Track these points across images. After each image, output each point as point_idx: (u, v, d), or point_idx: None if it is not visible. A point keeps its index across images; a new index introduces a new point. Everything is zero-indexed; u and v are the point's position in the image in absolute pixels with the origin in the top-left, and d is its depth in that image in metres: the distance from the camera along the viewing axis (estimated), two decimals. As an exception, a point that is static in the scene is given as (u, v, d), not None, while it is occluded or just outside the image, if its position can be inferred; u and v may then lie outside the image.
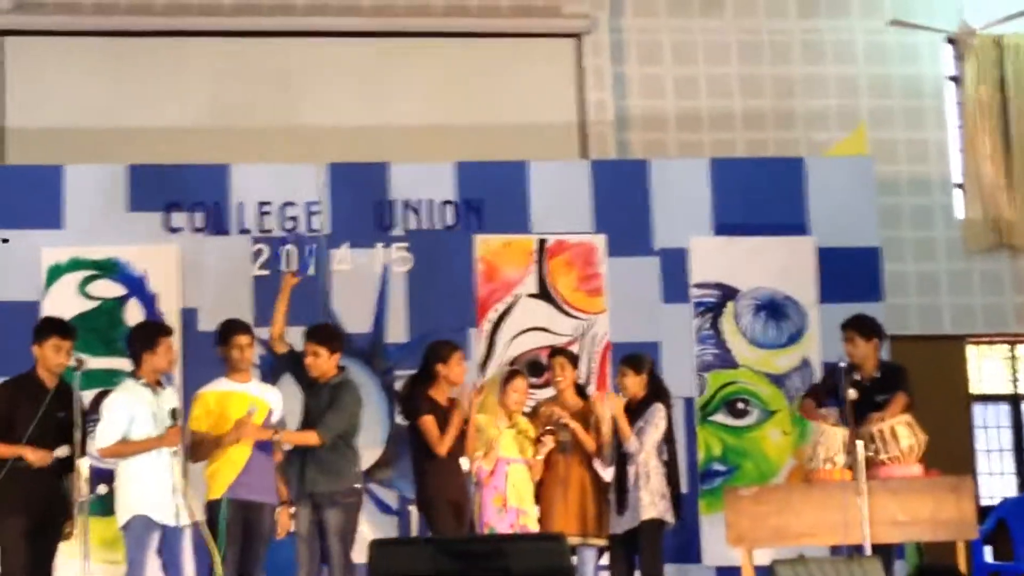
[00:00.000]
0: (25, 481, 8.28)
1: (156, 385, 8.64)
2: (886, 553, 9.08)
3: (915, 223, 13.07)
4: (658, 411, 9.39)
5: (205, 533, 8.52)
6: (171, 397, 8.75)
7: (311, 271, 10.80)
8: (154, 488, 8.44)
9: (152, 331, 8.85)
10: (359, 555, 8.59)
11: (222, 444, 8.63)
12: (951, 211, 13.32)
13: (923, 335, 12.75)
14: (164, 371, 8.76)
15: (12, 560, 8.37)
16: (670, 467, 9.42)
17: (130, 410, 8.51)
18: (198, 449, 8.65)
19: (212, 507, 8.65)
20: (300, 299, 10.47)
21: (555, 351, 9.87)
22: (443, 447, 9.05)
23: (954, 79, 13.63)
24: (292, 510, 9.02)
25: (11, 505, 8.34)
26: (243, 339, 8.86)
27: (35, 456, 8.30)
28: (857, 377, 9.54)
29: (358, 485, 9.02)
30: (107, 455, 8.59)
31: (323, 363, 9.01)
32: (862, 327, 9.71)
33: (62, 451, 8.29)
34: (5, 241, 10.50)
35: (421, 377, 9.33)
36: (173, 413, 8.53)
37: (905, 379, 9.62)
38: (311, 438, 8.85)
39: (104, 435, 8.47)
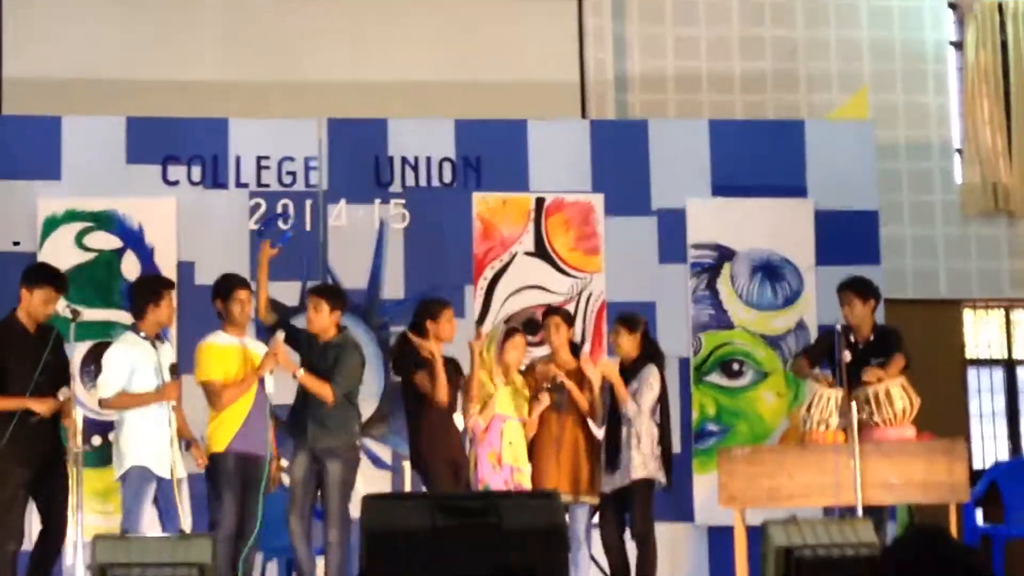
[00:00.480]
0: (25, 432, 8.28)
1: (155, 339, 8.68)
2: (878, 515, 9.12)
3: (914, 187, 13.05)
4: (652, 372, 9.40)
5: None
6: (169, 351, 8.80)
7: (308, 226, 10.79)
8: (152, 440, 8.48)
9: (156, 284, 8.90)
10: (352, 509, 8.63)
11: (258, 372, 8.69)
12: (950, 176, 13.29)
13: (919, 299, 12.74)
14: (165, 324, 8.81)
15: (9, 514, 8.37)
16: (662, 428, 9.43)
17: (131, 362, 8.55)
18: (220, 395, 8.69)
19: (216, 460, 8.69)
20: (297, 255, 10.51)
21: (549, 310, 9.88)
22: (442, 393, 9.06)
23: (956, 44, 13.59)
24: (285, 463, 9.05)
25: (12, 455, 8.34)
26: (243, 293, 8.89)
27: (42, 406, 8.27)
28: (852, 339, 9.57)
29: (357, 442, 9.05)
30: (107, 406, 8.64)
31: (323, 319, 9.00)
32: (860, 289, 9.71)
33: (63, 393, 8.30)
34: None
35: (412, 333, 9.34)
36: (173, 368, 8.58)
37: (900, 341, 9.63)
38: (326, 391, 8.85)
39: (105, 386, 8.53)
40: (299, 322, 9.44)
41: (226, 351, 8.79)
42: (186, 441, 8.72)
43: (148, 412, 8.52)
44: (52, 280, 8.64)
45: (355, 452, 9.02)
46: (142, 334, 8.65)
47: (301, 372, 8.83)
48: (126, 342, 8.68)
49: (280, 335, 8.82)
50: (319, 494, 8.90)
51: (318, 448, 8.85)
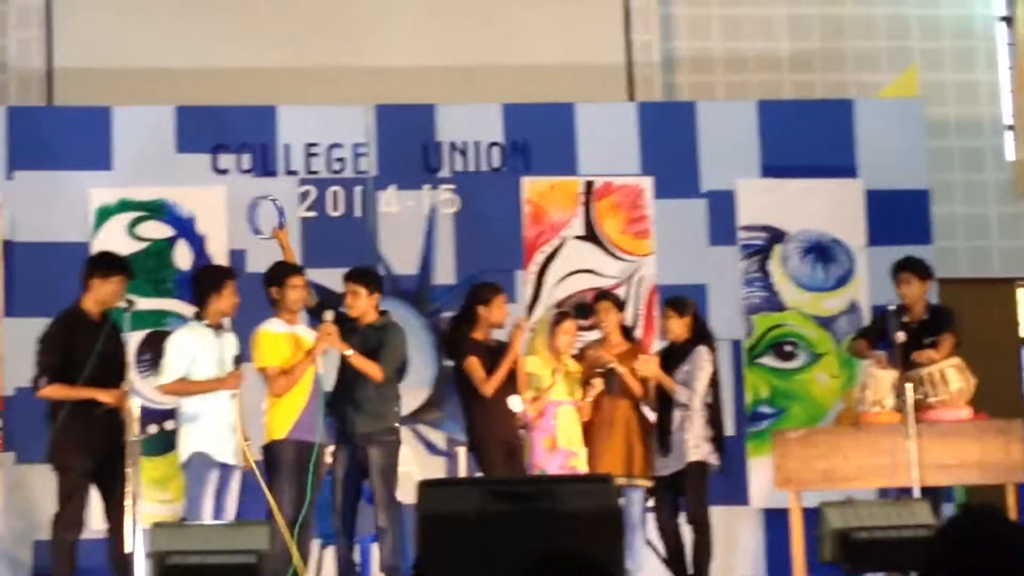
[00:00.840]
0: (86, 422, 8.32)
1: (218, 328, 8.74)
2: (934, 496, 9.07)
3: (965, 165, 12.95)
4: (703, 354, 9.38)
5: (258, 477, 8.61)
6: (232, 341, 8.83)
7: (358, 213, 10.82)
8: (214, 427, 8.54)
9: (217, 274, 8.96)
10: (407, 496, 8.65)
11: (313, 353, 8.69)
12: (1001, 153, 13.19)
13: (972, 278, 12.65)
14: (227, 314, 8.84)
15: (72, 502, 8.44)
16: (714, 410, 9.41)
17: (192, 349, 8.61)
18: (279, 380, 8.71)
19: (271, 449, 8.71)
20: (347, 242, 10.54)
21: (600, 295, 9.87)
22: (490, 388, 9.08)
23: (1006, 19, 13.48)
24: (331, 449, 9.08)
25: (77, 444, 8.39)
26: (297, 279, 8.91)
27: (109, 397, 8.30)
28: (906, 319, 9.52)
29: (397, 424, 9.06)
30: (167, 392, 8.71)
31: (362, 303, 9.01)
32: (918, 268, 9.67)
33: (128, 384, 8.35)
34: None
35: (463, 318, 9.36)
36: (236, 359, 8.62)
37: (953, 320, 9.59)
38: (375, 370, 8.86)
39: (166, 372, 8.59)
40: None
41: (281, 338, 8.83)
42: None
43: (210, 399, 8.58)
44: (123, 268, 8.71)
45: (395, 435, 9.01)
46: (205, 323, 8.71)
47: (350, 352, 8.84)
48: (189, 329, 8.78)
49: (329, 314, 8.83)
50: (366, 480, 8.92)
51: (358, 434, 8.86)
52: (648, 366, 9.37)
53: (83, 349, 8.33)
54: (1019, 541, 3.16)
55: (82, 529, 8.46)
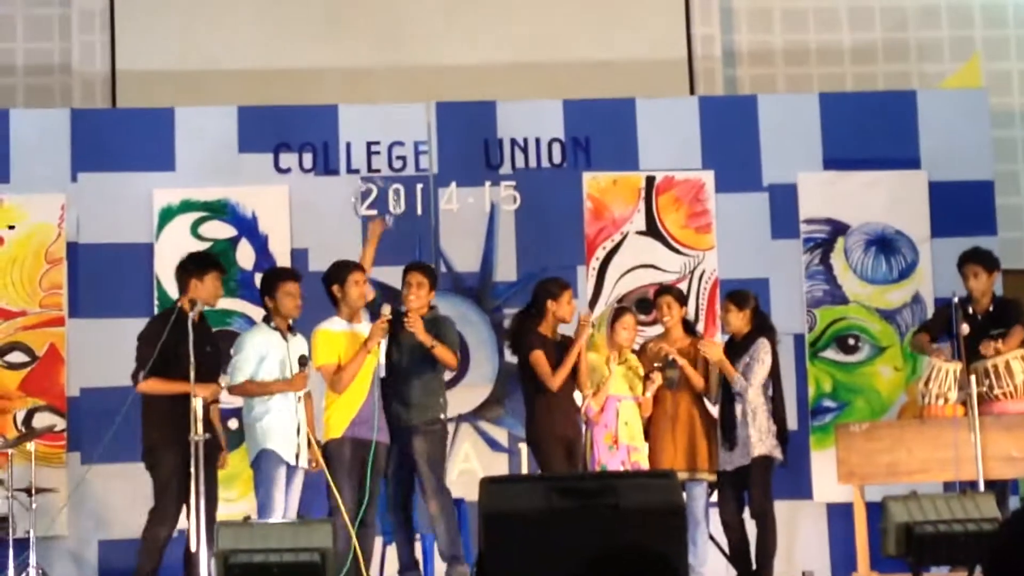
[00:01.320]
0: (179, 418, 8.40)
1: (287, 330, 8.80)
2: (1000, 489, 9.02)
3: (1030, 155, 12.86)
4: (763, 346, 9.34)
5: (326, 473, 8.66)
6: (301, 343, 8.89)
7: (419, 210, 10.85)
8: (281, 426, 8.60)
9: (273, 276, 9.03)
10: (471, 493, 8.67)
11: (368, 345, 8.72)
12: (1066, 143, 13.08)
13: (1037, 269, 12.56)
14: (291, 315, 8.86)
15: (165, 496, 8.53)
16: (776, 403, 9.38)
17: (260, 351, 8.69)
18: (340, 377, 8.77)
19: (328, 447, 8.76)
20: (408, 239, 10.59)
21: (661, 290, 9.84)
22: (556, 382, 9.09)
23: (1070, 7, 13.36)
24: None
25: (166, 440, 8.49)
26: (358, 276, 8.95)
27: (206, 391, 8.39)
28: (971, 311, 9.46)
29: (443, 416, 9.08)
30: (235, 393, 8.80)
31: (424, 295, 9.05)
32: (987, 259, 9.61)
33: (224, 379, 8.51)
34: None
35: (530, 313, 9.37)
36: (301, 360, 8.67)
37: (1021, 312, 9.51)
38: (451, 358, 8.95)
39: (234, 373, 8.65)
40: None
41: (339, 336, 8.86)
42: (308, 438, 8.79)
43: (278, 399, 8.65)
44: (217, 264, 8.84)
45: (440, 425, 9.06)
46: (272, 324, 8.78)
47: (436, 344, 8.87)
48: (258, 331, 8.89)
49: (387, 308, 8.86)
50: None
51: (403, 428, 8.90)
52: (712, 349, 9.35)
53: (180, 347, 8.40)
54: None
55: (175, 526, 8.52)
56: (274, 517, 8.43)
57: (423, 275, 9.14)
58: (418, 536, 9.17)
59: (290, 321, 8.90)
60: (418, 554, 9.14)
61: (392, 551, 9.27)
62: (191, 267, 8.81)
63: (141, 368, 8.59)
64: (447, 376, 9.30)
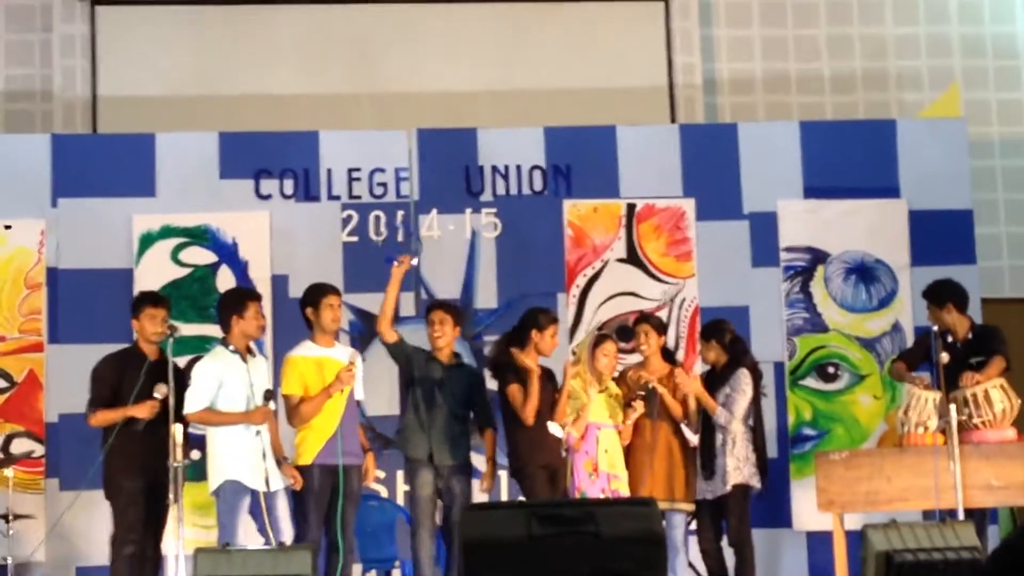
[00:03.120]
0: (136, 444, 8.40)
1: (246, 352, 8.71)
2: (979, 518, 9.02)
3: (1008, 185, 12.89)
4: (743, 376, 9.34)
5: None
6: (261, 366, 8.82)
7: (400, 237, 10.84)
8: (244, 454, 8.52)
9: (241, 296, 8.91)
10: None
11: (329, 391, 8.65)
12: (1046, 172, 13.14)
13: (1016, 298, 12.58)
14: (253, 337, 8.81)
15: (125, 520, 8.52)
16: (756, 432, 9.38)
17: (219, 376, 8.58)
18: (298, 412, 8.70)
19: (301, 473, 8.70)
20: (389, 266, 10.55)
21: (640, 318, 9.84)
22: (528, 416, 9.07)
23: (1048, 38, 13.43)
24: (381, 474, 9.10)
25: (125, 466, 8.48)
26: (333, 299, 8.89)
27: (141, 411, 8.42)
28: (950, 340, 9.47)
29: (470, 455, 9.18)
30: (193, 421, 8.68)
31: (449, 332, 9.06)
32: (934, 297, 9.64)
33: (160, 391, 8.35)
34: (8, 227, 10.58)
35: (512, 340, 9.35)
36: (267, 394, 8.58)
37: (1001, 341, 9.53)
38: (491, 437, 9.15)
39: (191, 401, 8.54)
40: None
41: (308, 363, 8.79)
42: (277, 459, 8.72)
43: (240, 428, 8.58)
44: (148, 299, 8.88)
45: (470, 466, 9.12)
46: (231, 348, 8.68)
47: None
48: (215, 356, 8.72)
49: (356, 356, 8.83)
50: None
51: (443, 466, 8.89)
52: (690, 383, 9.35)
53: (131, 383, 8.44)
54: None
55: (138, 542, 8.49)
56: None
57: (445, 312, 9.14)
58: (396, 563, 9.15)
59: (250, 343, 8.84)
60: None
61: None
62: (231, 304, 8.76)
63: (90, 405, 8.66)
64: None
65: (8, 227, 10.53)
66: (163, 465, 8.34)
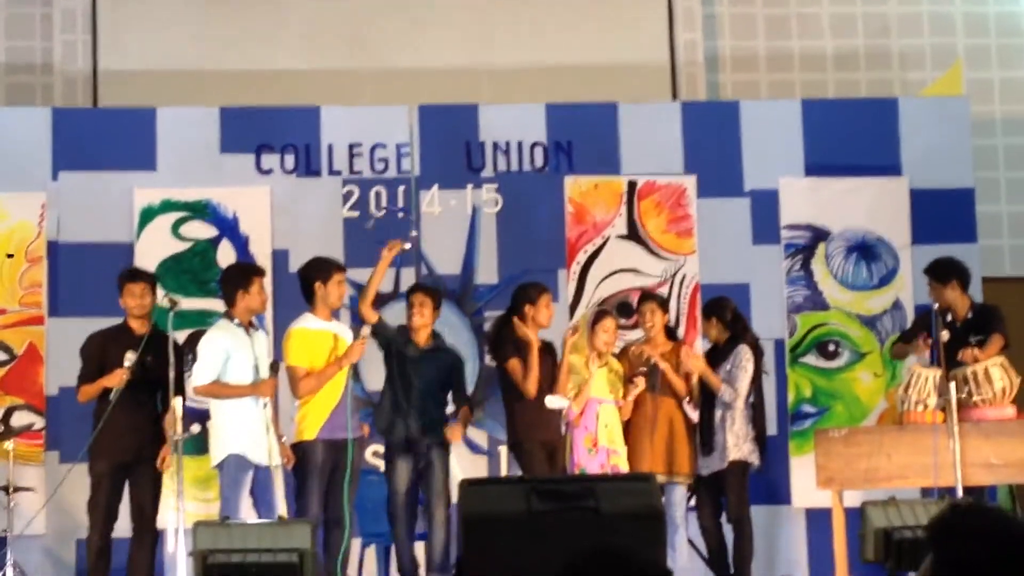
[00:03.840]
0: (117, 423, 8.42)
1: (249, 326, 8.72)
2: (978, 496, 9.03)
3: (1010, 163, 12.87)
4: (744, 353, 9.35)
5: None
6: (263, 340, 8.84)
7: (400, 213, 10.83)
8: (248, 428, 8.52)
9: (246, 271, 8.92)
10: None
11: (341, 363, 8.67)
12: (1047, 151, 13.12)
13: (1017, 277, 12.58)
14: (257, 312, 8.83)
15: (96, 497, 8.56)
16: (756, 409, 9.39)
17: (225, 349, 8.60)
18: (304, 384, 8.70)
19: (301, 449, 8.71)
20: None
21: (644, 296, 9.84)
22: (530, 389, 9.07)
23: (1052, 16, 13.40)
24: (380, 449, 9.12)
25: (100, 446, 8.51)
26: (342, 277, 8.90)
27: (110, 380, 8.50)
28: (950, 318, 9.47)
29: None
30: (201, 394, 8.70)
31: (428, 314, 9.04)
32: (937, 273, 9.63)
33: (128, 359, 8.43)
34: (10, 256, 10.57)
35: (509, 318, 9.36)
36: (273, 365, 8.60)
37: (1000, 320, 9.53)
38: (465, 411, 9.16)
39: (200, 374, 8.58)
40: (391, 311, 9.53)
41: (318, 336, 8.79)
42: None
43: (243, 400, 8.58)
44: (127, 276, 8.90)
45: (447, 444, 9.11)
46: (235, 321, 8.69)
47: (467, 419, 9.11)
48: (219, 329, 8.72)
49: (366, 329, 8.84)
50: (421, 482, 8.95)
51: (423, 441, 8.89)
52: (694, 361, 9.36)
53: (116, 360, 8.49)
54: (1007, 527, 3.11)
55: (107, 531, 8.54)
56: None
57: (425, 295, 9.12)
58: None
59: (252, 318, 8.84)
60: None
61: (370, 553, 9.26)
62: (237, 279, 8.77)
63: (78, 381, 8.73)
64: None
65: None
66: (144, 441, 8.40)
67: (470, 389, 10.42)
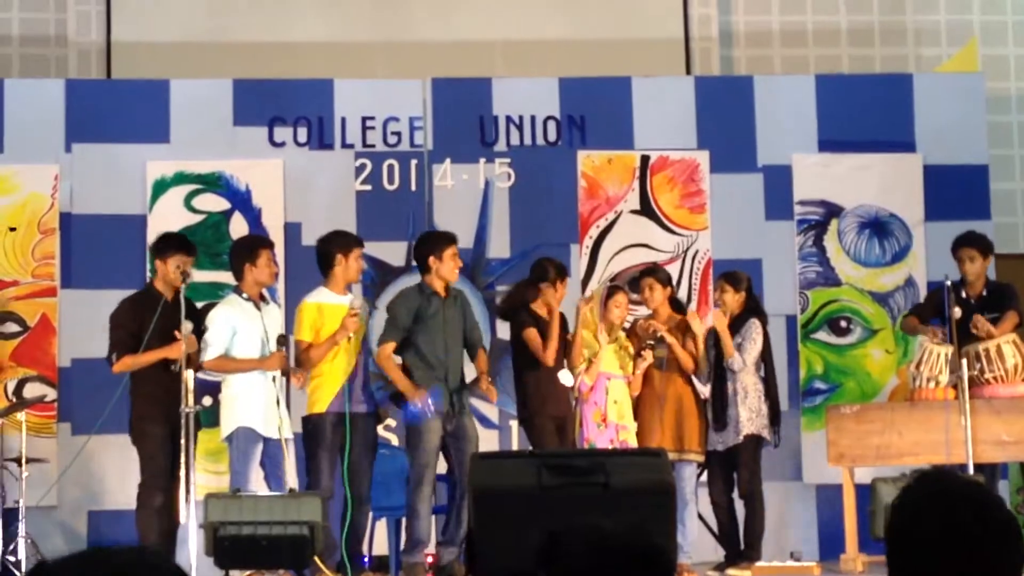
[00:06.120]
0: (161, 389, 8.41)
1: (259, 299, 8.72)
2: (990, 473, 9.04)
3: (1025, 140, 12.85)
4: (754, 326, 9.37)
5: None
6: (274, 312, 8.83)
7: (413, 186, 10.83)
8: (258, 401, 8.53)
9: (252, 244, 8.92)
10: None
11: (336, 339, 8.64)
12: (1062, 129, 13.07)
13: (1031, 254, 12.56)
14: (266, 284, 8.82)
15: (151, 467, 8.53)
16: (768, 384, 9.39)
17: (233, 324, 8.60)
18: (307, 357, 8.69)
19: (311, 421, 8.71)
20: (402, 215, 10.57)
21: (644, 272, 9.83)
22: (548, 357, 9.07)
23: (1068, -7, 13.34)
24: (392, 423, 9.12)
25: (150, 412, 8.49)
26: (360, 252, 8.89)
27: (174, 351, 8.38)
28: (964, 295, 9.46)
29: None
30: (210, 368, 8.70)
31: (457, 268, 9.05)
32: (982, 243, 9.59)
33: (186, 326, 8.38)
34: (12, 229, 10.56)
35: (526, 287, 9.34)
36: (280, 339, 8.60)
37: (1016, 297, 9.52)
38: (483, 355, 9.09)
39: (208, 348, 8.57)
40: (404, 282, 9.54)
41: (325, 309, 8.76)
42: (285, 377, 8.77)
43: (255, 375, 8.58)
44: (183, 246, 8.80)
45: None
46: (244, 295, 8.69)
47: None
48: (228, 303, 8.73)
49: (357, 300, 8.83)
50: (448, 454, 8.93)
51: (457, 406, 8.87)
52: (717, 318, 9.33)
53: (148, 326, 8.44)
54: (969, 494, 3.10)
55: (166, 490, 8.46)
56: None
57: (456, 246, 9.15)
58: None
59: (263, 290, 8.84)
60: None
61: (381, 525, 9.28)
62: (244, 252, 8.76)
63: (113, 350, 8.64)
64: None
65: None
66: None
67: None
